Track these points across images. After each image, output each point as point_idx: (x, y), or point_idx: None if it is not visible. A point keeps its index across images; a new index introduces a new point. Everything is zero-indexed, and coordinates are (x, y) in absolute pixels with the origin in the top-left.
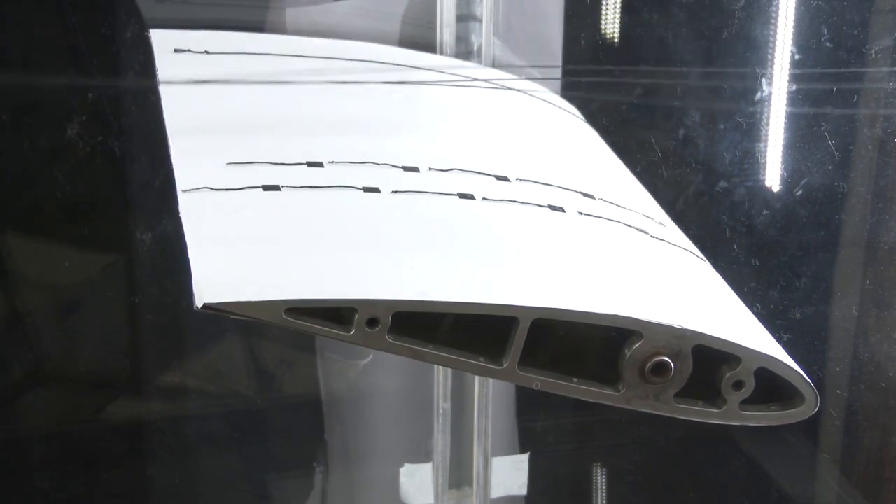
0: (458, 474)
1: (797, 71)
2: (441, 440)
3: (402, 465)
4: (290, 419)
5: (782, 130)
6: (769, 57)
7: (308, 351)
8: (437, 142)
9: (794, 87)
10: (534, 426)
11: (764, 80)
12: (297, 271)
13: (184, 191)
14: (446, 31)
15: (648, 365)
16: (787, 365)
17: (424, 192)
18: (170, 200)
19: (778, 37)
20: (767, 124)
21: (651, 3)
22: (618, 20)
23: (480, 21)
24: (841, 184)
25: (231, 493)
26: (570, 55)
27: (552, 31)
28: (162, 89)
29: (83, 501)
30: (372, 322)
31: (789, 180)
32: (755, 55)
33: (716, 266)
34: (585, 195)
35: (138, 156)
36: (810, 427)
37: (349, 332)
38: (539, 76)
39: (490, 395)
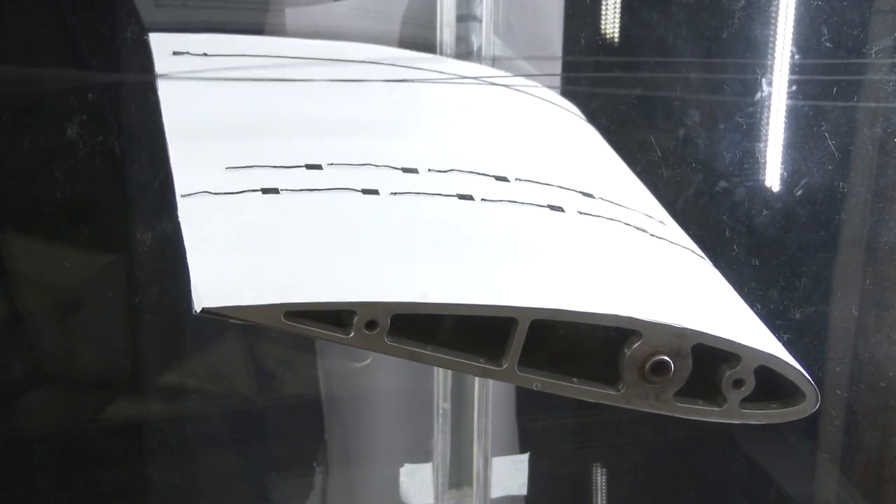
0: (458, 474)
1: (797, 71)
2: (441, 440)
3: (402, 465)
4: (290, 419)
5: (782, 130)
6: (769, 57)
7: (308, 351)
8: (436, 142)
9: (794, 87)
10: (534, 426)
11: (764, 80)
12: (295, 275)
13: (183, 195)
14: (446, 31)
15: (648, 364)
16: (786, 362)
17: (423, 193)
18: (169, 200)
19: (778, 37)
20: (767, 124)
21: (651, 2)
22: (618, 20)
23: (480, 21)
24: (841, 184)
25: (231, 494)
26: (570, 55)
27: (552, 31)
28: (161, 93)
29: (83, 501)
30: (371, 324)
31: (789, 180)
32: (755, 55)
33: (716, 266)
34: (585, 194)
35: (138, 156)
36: (810, 427)
37: (348, 334)
38: (539, 75)
39: (490, 395)
